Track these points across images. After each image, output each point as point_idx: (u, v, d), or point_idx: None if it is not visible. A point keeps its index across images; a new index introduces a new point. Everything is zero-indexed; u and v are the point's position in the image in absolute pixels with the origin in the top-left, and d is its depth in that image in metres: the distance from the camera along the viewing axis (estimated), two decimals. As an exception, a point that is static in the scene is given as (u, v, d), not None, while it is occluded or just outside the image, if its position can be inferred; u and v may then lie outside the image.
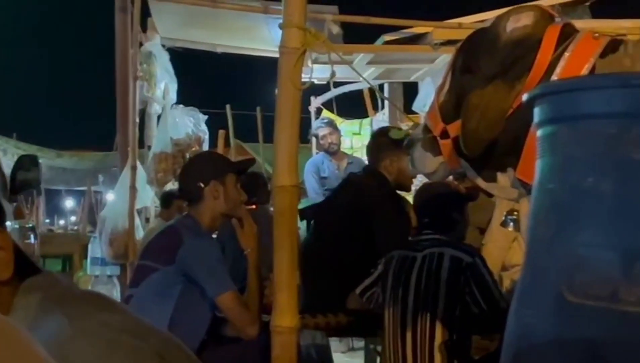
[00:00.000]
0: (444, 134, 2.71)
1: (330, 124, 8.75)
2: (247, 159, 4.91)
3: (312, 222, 5.42)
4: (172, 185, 8.65)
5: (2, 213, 1.45)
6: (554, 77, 2.38)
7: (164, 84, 9.09)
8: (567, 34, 2.47)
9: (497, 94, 2.53)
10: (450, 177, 3.09)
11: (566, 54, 2.39)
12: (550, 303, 1.39)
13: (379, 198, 4.95)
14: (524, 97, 1.56)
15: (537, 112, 1.51)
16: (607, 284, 1.29)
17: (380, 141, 5.09)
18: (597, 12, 9.32)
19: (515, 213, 3.54)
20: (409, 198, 5.63)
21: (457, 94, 2.71)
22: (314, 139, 10.24)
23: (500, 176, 2.60)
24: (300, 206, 3.97)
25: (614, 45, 2.36)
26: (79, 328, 1.50)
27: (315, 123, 9.12)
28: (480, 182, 2.72)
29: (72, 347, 1.48)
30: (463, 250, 4.00)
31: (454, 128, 2.67)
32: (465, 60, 2.73)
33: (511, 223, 4.24)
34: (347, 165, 8.39)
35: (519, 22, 2.55)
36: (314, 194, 8.36)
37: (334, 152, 8.51)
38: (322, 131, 8.59)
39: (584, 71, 2.34)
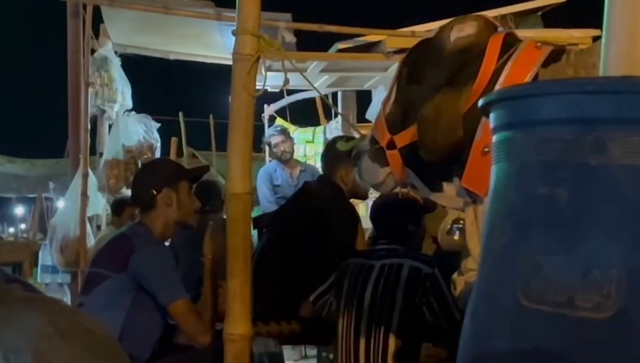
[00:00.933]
0: (391, 145, 2.73)
1: (283, 132, 8.74)
2: (200, 167, 4.89)
3: (264, 230, 5.42)
4: (124, 192, 8.60)
5: None
6: (498, 86, 2.40)
7: (120, 89, 9.05)
8: (510, 43, 2.49)
9: (447, 102, 2.56)
10: (398, 188, 3.10)
11: (509, 63, 2.42)
12: (506, 309, 1.39)
13: (332, 207, 4.96)
14: (479, 103, 1.57)
15: (492, 117, 1.52)
16: (563, 290, 1.30)
17: (335, 151, 5.09)
18: (549, 22, 9.40)
19: (461, 221, 3.56)
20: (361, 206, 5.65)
21: (404, 105, 2.73)
22: (267, 147, 10.23)
23: (446, 186, 2.62)
24: (253, 215, 3.96)
25: (556, 54, 2.39)
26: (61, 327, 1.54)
27: (268, 131, 9.10)
28: (427, 192, 2.74)
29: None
30: (422, 261, 4.02)
31: (400, 139, 2.69)
32: (411, 71, 2.76)
33: (457, 232, 4.26)
34: (299, 173, 8.39)
35: (463, 31, 2.58)
36: (267, 203, 8.35)
37: (286, 160, 8.50)
38: (275, 139, 8.58)
39: (526, 79, 2.37)
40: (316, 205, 4.97)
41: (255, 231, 5.65)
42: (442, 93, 2.60)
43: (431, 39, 2.71)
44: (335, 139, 5.57)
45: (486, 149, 2.34)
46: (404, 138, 2.67)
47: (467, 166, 2.47)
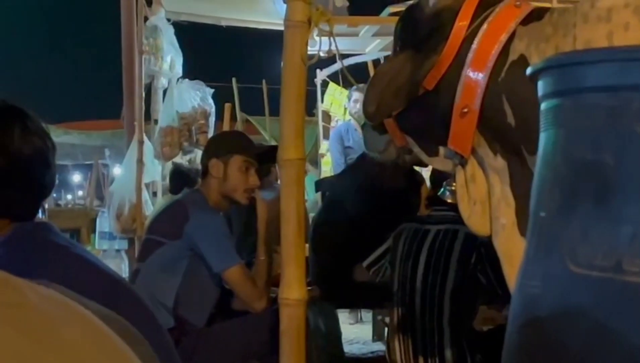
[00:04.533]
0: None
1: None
2: (265, 147, 4.84)
3: (326, 194, 5.43)
4: (179, 159, 8.65)
5: None
6: (474, 46, 2.42)
7: (170, 57, 9.06)
8: (489, 4, 2.50)
9: (408, 63, 2.59)
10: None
11: (485, 24, 2.43)
12: (554, 275, 1.40)
13: (392, 173, 4.95)
14: (528, 70, 1.56)
15: (540, 85, 1.52)
16: (611, 255, 1.30)
17: None
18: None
19: (454, 184, 3.56)
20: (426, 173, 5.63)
21: None
22: (320, 112, 10.22)
23: (442, 149, 2.64)
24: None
25: (539, 13, 2.38)
26: None
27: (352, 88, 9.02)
28: (424, 156, 2.76)
29: None
30: None
31: None
32: (396, 37, 2.79)
33: (448, 194, 4.24)
34: None
35: None
36: (337, 166, 8.36)
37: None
38: (356, 95, 8.52)
39: (503, 37, 2.38)
40: (375, 171, 4.96)
41: (319, 194, 5.67)
42: (404, 54, 2.64)
43: (416, 3, 2.72)
44: None
45: (465, 110, 2.41)
46: None
47: (450, 128, 2.49)
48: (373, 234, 4.56)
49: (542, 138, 1.51)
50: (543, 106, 1.51)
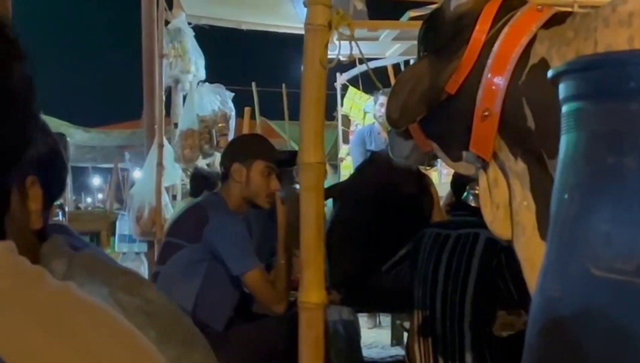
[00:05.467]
0: None
1: None
2: (287, 152, 4.84)
3: (337, 200, 5.42)
4: (199, 162, 8.66)
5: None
6: (494, 49, 2.43)
7: (194, 60, 9.09)
8: (510, 7, 2.50)
9: (430, 68, 2.59)
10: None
11: (506, 27, 2.42)
12: (575, 278, 1.40)
13: (401, 177, 4.94)
14: (549, 73, 1.56)
15: (562, 88, 1.52)
16: (632, 259, 1.30)
17: None
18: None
19: (476, 187, 3.57)
20: (434, 174, 5.63)
21: None
22: (340, 116, 10.22)
23: (465, 154, 2.63)
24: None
25: (561, 17, 2.38)
26: (118, 300, 1.60)
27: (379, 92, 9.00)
28: (448, 161, 2.77)
29: None
30: None
31: None
32: (420, 42, 2.80)
33: (472, 197, 4.24)
34: None
35: None
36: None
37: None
38: (382, 99, 8.50)
39: (523, 40, 2.39)
40: (386, 174, 4.95)
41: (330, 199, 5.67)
42: (426, 59, 2.64)
43: (438, 8, 2.73)
44: None
45: (485, 114, 2.42)
46: None
47: (472, 131, 2.49)
48: (387, 237, 4.56)
49: (563, 141, 1.50)
50: (564, 109, 1.51)
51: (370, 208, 4.89)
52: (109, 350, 0.86)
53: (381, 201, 4.87)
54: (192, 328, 1.93)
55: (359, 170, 5.55)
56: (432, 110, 2.63)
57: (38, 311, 0.83)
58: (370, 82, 11.35)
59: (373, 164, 5.24)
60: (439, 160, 3.16)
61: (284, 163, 4.33)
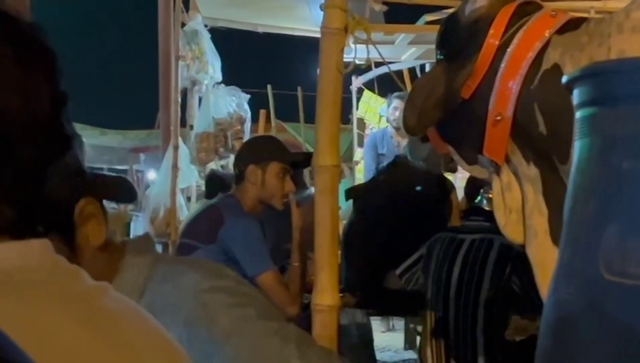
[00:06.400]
0: None
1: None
2: (299, 153, 4.85)
3: (356, 201, 5.43)
4: (214, 165, 8.68)
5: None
6: (507, 54, 2.43)
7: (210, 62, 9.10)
8: (524, 12, 2.51)
9: (444, 74, 2.59)
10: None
11: (520, 32, 2.42)
12: (588, 282, 1.40)
13: (423, 181, 4.94)
14: (563, 79, 1.57)
15: (576, 93, 1.52)
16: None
17: None
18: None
19: (491, 191, 3.59)
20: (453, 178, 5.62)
21: None
22: (355, 119, 10.22)
23: (480, 158, 2.65)
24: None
25: (575, 22, 2.38)
26: (215, 284, 1.71)
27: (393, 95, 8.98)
28: (463, 164, 2.78)
29: (211, 297, 1.81)
30: None
31: None
32: (436, 47, 2.81)
33: (485, 201, 4.24)
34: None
35: (476, 3, 2.60)
36: (368, 171, 8.35)
37: (398, 127, 8.39)
38: (395, 103, 8.46)
39: (536, 45, 2.39)
40: (407, 178, 4.95)
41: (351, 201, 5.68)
42: (440, 65, 2.66)
43: (454, 13, 2.74)
44: None
45: (498, 118, 2.42)
46: None
47: (485, 136, 2.50)
48: (405, 241, 4.56)
49: (577, 145, 1.51)
50: (578, 114, 1.52)
51: (390, 211, 4.89)
52: (142, 347, 0.87)
53: (401, 205, 4.87)
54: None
55: (381, 173, 5.55)
56: (448, 114, 2.64)
57: (73, 304, 0.84)
58: (386, 85, 11.39)
59: (395, 167, 5.24)
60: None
61: (298, 165, 4.36)
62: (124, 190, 1.89)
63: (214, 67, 9.08)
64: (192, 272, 1.83)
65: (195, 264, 1.93)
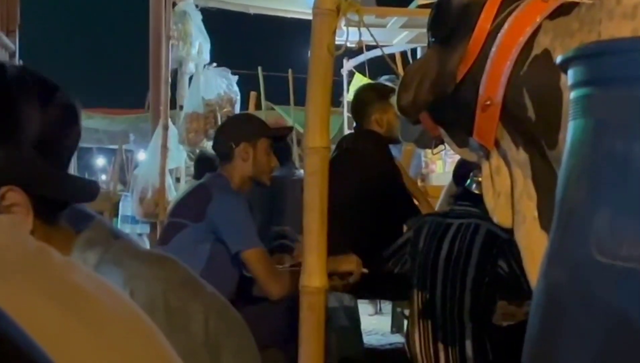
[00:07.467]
0: None
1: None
2: (284, 127, 4.90)
3: None
4: (203, 145, 8.67)
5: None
6: (498, 39, 2.43)
7: (198, 43, 9.07)
8: None
9: (437, 58, 2.60)
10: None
11: (511, 17, 2.42)
12: (580, 264, 1.40)
13: (382, 167, 4.99)
14: (558, 59, 1.57)
15: (570, 74, 1.52)
16: (637, 246, 1.31)
17: (367, 96, 5.13)
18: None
19: (480, 175, 3.60)
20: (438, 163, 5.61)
21: None
22: (346, 102, 10.21)
23: (471, 140, 2.66)
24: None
25: (568, 8, 2.37)
26: (134, 284, 1.64)
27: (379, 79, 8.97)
28: (454, 147, 2.79)
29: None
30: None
31: None
32: (428, 30, 2.81)
33: (475, 185, 4.25)
34: None
35: None
36: None
37: None
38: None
39: (528, 30, 2.38)
40: (366, 168, 4.97)
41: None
42: (433, 49, 2.66)
43: None
44: (365, 85, 5.61)
45: (487, 103, 2.42)
46: None
47: (475, 120, 2.50)
48: (391, 223, 4.60)
49: (571, 127, 1.51)
50: (572, 95, 1.51)
51: (354, 201, 4.88)
52: (112, 321, 0.87)
53: (361, 194, 4.88)
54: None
55: (333, 162, 5.57)
56: (440, 97, 2.65)
57: (45, 280, 0.84)
58: (377, 69, 11.37)
59: (346, 155, 5.19)
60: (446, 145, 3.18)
61: (278, 139, 4.43)
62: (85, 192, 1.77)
63: (201, 49, 9.05)
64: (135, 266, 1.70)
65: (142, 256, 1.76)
